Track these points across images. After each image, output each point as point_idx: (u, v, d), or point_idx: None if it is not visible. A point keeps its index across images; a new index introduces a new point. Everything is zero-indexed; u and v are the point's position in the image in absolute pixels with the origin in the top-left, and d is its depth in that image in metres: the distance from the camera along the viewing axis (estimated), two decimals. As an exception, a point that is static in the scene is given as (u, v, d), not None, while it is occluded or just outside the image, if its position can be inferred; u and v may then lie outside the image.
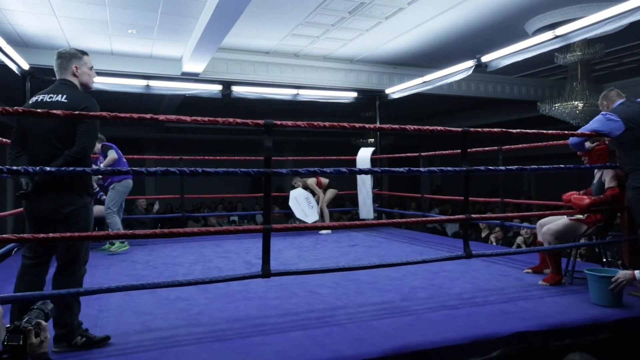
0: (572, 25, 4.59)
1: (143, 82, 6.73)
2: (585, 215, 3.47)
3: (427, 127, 3.25)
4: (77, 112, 2.37)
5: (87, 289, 2.39)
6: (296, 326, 2.67)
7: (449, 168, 3.10)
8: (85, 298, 2.58)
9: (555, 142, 4.59)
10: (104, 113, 2.40)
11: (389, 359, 2.26)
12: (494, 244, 6.61)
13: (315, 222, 6.56)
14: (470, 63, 5.90)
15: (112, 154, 5.24)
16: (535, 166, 3.40)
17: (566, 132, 3.61)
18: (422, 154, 6.67)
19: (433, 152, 6.32)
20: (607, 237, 3.71)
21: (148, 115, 2.56)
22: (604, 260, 3.64)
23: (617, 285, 2.88)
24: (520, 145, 5.19)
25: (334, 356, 2.23)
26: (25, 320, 1.70)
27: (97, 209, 5.49)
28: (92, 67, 2.63)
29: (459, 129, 3.15)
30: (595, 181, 3.66)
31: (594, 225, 3.48)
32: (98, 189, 5.64)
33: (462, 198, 3.25)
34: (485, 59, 5.72)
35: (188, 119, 2.63)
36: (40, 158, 2.36)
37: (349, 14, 6.22)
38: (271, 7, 5.94)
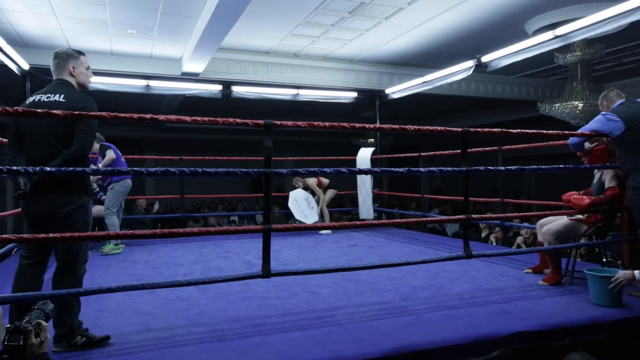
0: (572, 25, 4.59)
1: (143, 82, 6.72)
2: (585, 215, 3.47)
3: (427, 127, 3.25)
4: (77, 113, 2.37)
5: (87, 289, 2.39)
6: (296, 326, 2.67)
7: (448, 168, 3.10)
8: (85, 298, 2.58)
9: (555, 142, 4.59)
10: (103, 113, 2.40)
11: (389, 359, 2.26)
12: (494, 244, 6.61)
13: (315, 222, 6.56)
14: (470, 63, 5.90)
15: (110, 154, 5.22)
16: (535, 166, 3.40)
17: (566, 132, 3.61)
18: (422, 154, 6.67)
19: (433, 152, 6.32)
20: (607, 237, 3.71)
21: (148, 115, 2.56)
22: (604, 260, 3.64)
23: (616, 285, 2.88)
24: (520, 145, 5.19)
25: (334, 356, 2.23)
26: (25, 320, 1.70)
27: (98, 209, 5.49)
28: (88, 67, 2.63)
29: (459, 129, 3.15)
30: (595, 181, 3.66)
31: (594, 225, 3.48)
32: (98, 189, 5.63)
33: (462, 198, 3.25)
34: (485, 59, 5.72)
35: (188, 119, 2.63)
36: (38, 158, 2.36)
37: (349, 14, 6.22)
38: (271, 7, 5.94)
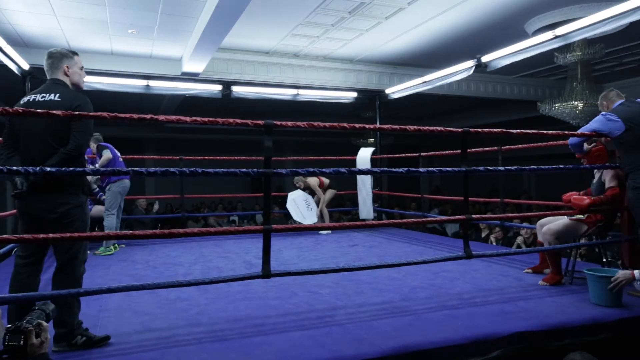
0: (572, 25, 4.59)
1: (143, 82, 6.72)
2: (586, 215, 3.47)
3: (427, 127, 3.25)
4: (76, 113, 2.38)
5: (87, 289, 2.39)
6: (296, 326, 2.67)
7: (448, 168, 3.10)
8: (85, 298, 2.58)
9: (555, 142, 4.59)
10: (103, 113, 2.40)
11: (389, 359, 2.26)
12: (494, 244, 6.62)
13: (314, 223, 6.56)
14: (470, 63, 5.90)
15: (107, 154, 5.19)
16: (535, 166, 3.40)
17: (566, 132, 3.61)
18: (422, 154, 6.67)
19: (433, 152, 6.32)
20: (607, 237, 3.71)
21: (148, 116, 2.56)
22: (604, 260, 3.64)
23: (616, 285, 2.88)
24: (520, 146, 5.19)
25: (334, 356, 2.23)
26: (26, 320, 1.70)
27: (98, 210, 5.50)
28: (82, 67, 2.64)
29: (459, 129, 3.15)
30: (595, 181, 3.66)
31: (594, 225, 3.48)
32: (98, 189, 5.63)
33: (462, 198, 3.25)
34: (485, 59, 5.72)
35: (188, 119, 2.63)
36: (34, 158, 2.36)
37: (349, 14, 6.22)
38: (271, 7, 5.94)
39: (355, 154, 7.29)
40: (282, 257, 4.82)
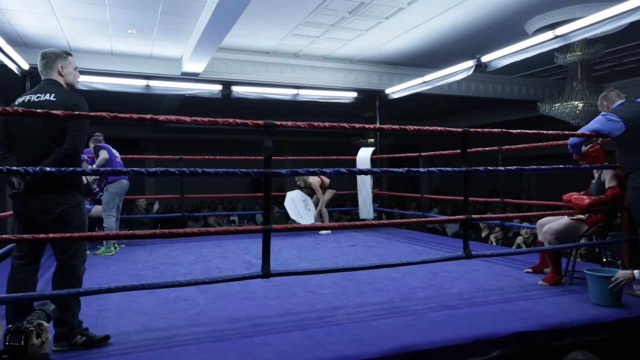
0: (572, 25, 4.59)
1: (143, 82, 6.72)
2: (586, 215, 3.47)
3: (427, 127, 3.25)
4: (76, 113, 2.38)
5: (87, 289, 2.39)
6: (296, 326, 2.67)
7: (448, 168, 3.10)
8: (85, 298, 2.58)
9: (555, 142, 4.59)
10: (103, 113, 2.40)
11: (389, 359, 2.26)
12: (494, 244, 6.61)
13: (314, 222, 6.56)
14: (470, 63, 5.90)
15: (104, 154, 5.17)
16: (535, 166, 3.40)
17: (566, 132, 3.61)
18: (422, 154, 6.67)
19: (433, 152, 6.33)
20: (607, 237, 3.71)
21: (148, 116, 2.56)
22: (604, 260, 3.64)
23: (616, 284, 2.88)
24: (520, 146, 5.19)
25: (334, 356, 2.23)
26: (26, 321, 1.70)
27: (98, 210, 5.49)
28: (76, 67, 2.65)
29: (459, 129, 3.15)
30: (594, 181, 3.66)
31: (595, 225, 3.49)
32: (98, 189, 5.63)
33: (462, 198, 3.25)
34: (485, 59, 5.72)
35: (188, 119, 2.63)
36: (30, 158, 2.36)
37: (349, 14, 6.22)
38: (271, 7, 5.94)
39: (355, 154, 7.29)
40: (282, 257, 4.82)
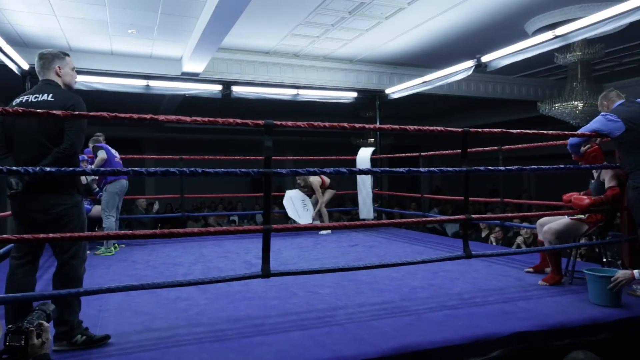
0: (572, 25, 4.59)
1: (143, 82, 6.72)
2: (586, 215, 3.47)
3: (427, 127, 3.25)
4: (76, 113, 2.39)
5: (87, 289, 2.39)
6: (296, 326, 2.67)
7: (448, 168, 3.10)
8: (85, 298, 2.58)
9: (555, 142, 4.59)
10: (103, 113, 2.40)
11: (389, 359, 2.26)
12: (494, 244, 6.61)
13: (314, 222, 6.57)
14: (470, 63, 5.90)
15: (102, 154, 5.17)
16: (535, 166, 3.40)
17: (566, 132, 3.61)
18: (422, 154, 6.67)
19: (433, 152, 6.33)
20: (607, 237, 3.71)
21: (148, 116, 2.56)
22: (604, 260, 3.64)
23: (616, 284, 2.88)
24: (520, 145, 5.19)
25: (334, 356, 2.23)
26: (26, 321, 1.70)
27: (98, 210, 5.49)
28: (74, 67, 2.65)
29: (459, 129, 3.15)
30: (593, 181, 3.67)
31: (595, 225, 3.49)
32: (98, 189, 5.63)
33: (462, 198, 3.25)
34: (485, 59, 5.72)
35: (188, 119, 2.63)
36: (28, 158, 2.36)
37: (349, 14, 6.22)
38: (271, 7, 5.94)
39: (355, 154, 7.29)
40: (282, 257, 4.82)
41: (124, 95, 7.46)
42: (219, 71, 7.66)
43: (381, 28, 6.76)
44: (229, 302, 3.16)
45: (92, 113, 2.43)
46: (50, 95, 2.44)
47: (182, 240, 6.00)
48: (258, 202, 12.27)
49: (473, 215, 3.29)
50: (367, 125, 3.13)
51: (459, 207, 10.32)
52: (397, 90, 7.69)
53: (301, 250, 5.29)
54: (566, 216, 3.55)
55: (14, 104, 2.47)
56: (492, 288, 3.45)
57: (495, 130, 3.40)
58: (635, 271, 2.89)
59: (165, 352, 2.33)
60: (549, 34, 4.86)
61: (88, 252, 5.10)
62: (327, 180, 6.82)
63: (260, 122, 2.63)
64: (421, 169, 3.18)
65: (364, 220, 6.96)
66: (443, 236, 7.90)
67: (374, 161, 7.33)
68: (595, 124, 3.40)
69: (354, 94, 8.10)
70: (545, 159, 12.21)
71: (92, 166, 5.40)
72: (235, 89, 7.12)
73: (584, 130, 3.46)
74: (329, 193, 6.85)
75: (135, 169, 2.45)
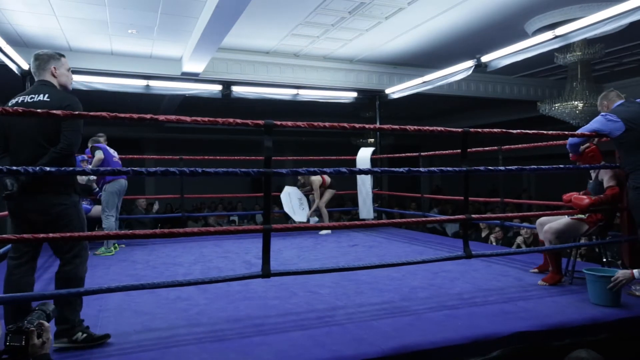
0: (572, 25, 4.59)
1: (143, 82, 6.72)
2: (587, 214, 3.47)
3: (427, 127, 3.25)
4: (77, 113, 2.39)
5: (87, 289, 2.39)
6: (296, 326, 2.67)
7: (448, 168, 3.10)
8: (85, 298, 2.58)
9: (555, 142, 4.59)
10: (103, 113, 2.40)
11: (388, 359, 2.26)
12: (494, 244, 6.61)
13: (314, 222, 6.57)
14: (470, 63, 5.90)
15: (99, 154, 5.17)
16: (535, 166, 3.40)
17: (566, 132, 3.61)
18: (422, 154, 6.67)
19: (433, 152, 6.33)
20: (607, 237, 3.71)
21: (148, 116, 2.56)
22: (604, 260, 3.64)
23: (616, 284, 2.88)
24: (520, 145, 5.19)
25: (334, 356, 2.24)
26: (27, 321, 1.70)
27: (98, 210, 5.50)
28: (69, 68, 2.66)
29: (459, 129, 3.15)
30: (591, 180, 3.67)
31: (595, 224, 3.49)
32: (98, 189, 5.63)
33: (462, 198, 3.25)
34: (485, 59, 5.72)
35: (188, 119, 2.63)
36: (25, 158, 2.36)
37: (349, 14, 6.22)
38: (271, 7, 5.94)
39: (355, 154, 7.29)
40: (282, 257, 4.82)
41: (124, 95, 7.46)
42: (219, 71, 7.66)
43: (381, 28, 6.76)
44: (229, 302, 3.16)
45: (92, 113, 2.43)
46: (46, 95, 2.45)
47: (182, 240, 6.00)
48: (258, 202, 12.26)
49: (473, 215, 3.29)
50: (367, 125, 3.13)
51: (459, 207, 10.32)
52: (397, 90, 7.69)
53: (301, 250, 5.29)
54: (566, 216, 3.55)
55: (9, 104, 2.47)
56: (492, 288, 3.45)
57: (495, 130, 3.40)
58: (635, 271, 2.89)
59: (165, 352, 2.33)
60: (549, 34, 4.86)
61: (88, 252, 5.11)
62: (327, 179, 6.81)
63: (260, 122, 2.63)
64: (421, 169, 3.18)
65: (364, 220, 6.96)
66: (443, 236, 7.90)
67: (374, 161, 7.33)
68: (595, 124, 3.41)
69: (354, 94, 8.10)
70: (545, 159, 12.20)
71: (91, 166, 5.39)
72: (235, 89, 7.12)
73: (583, 130, 3.46)
74: (329, 193, 6.85)
75: (135, 168, 2.45)
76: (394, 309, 2.95)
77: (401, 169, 2.97)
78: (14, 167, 2.20)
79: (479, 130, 3.41)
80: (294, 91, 7.55)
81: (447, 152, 5.58)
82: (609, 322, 2.73)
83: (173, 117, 2.62)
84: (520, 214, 7.73)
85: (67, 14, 5.67)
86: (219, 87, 7.10)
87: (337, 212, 10.19)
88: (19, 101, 2.46)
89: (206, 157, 6.81)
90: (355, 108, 10.21)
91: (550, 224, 3.53)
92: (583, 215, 3.48)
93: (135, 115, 2.48)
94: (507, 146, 5.17)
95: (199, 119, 2.62)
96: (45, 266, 4.31)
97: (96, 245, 5.41)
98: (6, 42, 4.79)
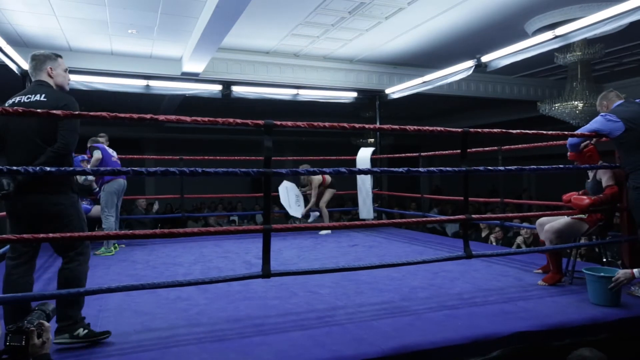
0: (572, 25, 4.59)
1: (143, 82, 6.72)
2: (587, 214, 3.47)
3: (427, 127, 3.25)
4: (76, 113, 2.39)
5: (87, 289, 2.39)
6: (296, 326, 2.67)
7: (448, 168, 3.10)
8: (86, 298, 2.58)
9: (555, 142, 4.59)
10: (103, 113, 2.40)
11: (388, 359, 2.26)
12: (494, 244, 6.62)
13: (314, 222, 6.58)
14: (470, 63, 5.90)
15: (97, 154, 5.17)
16: (535, 166, 3.40)
17: (566, 132, 3.61)
18: (422, 154, 6.67)
19: (433, 152, 6.33)
20: (607, 237, 3.71)
21: (148, 116, 2.56)
22: (604, 260, 3.64)
23: (617, 284, 2.88)
24: (520, 146, 5.19)
25: (334, 356, 2.24)
26: (27, 320, 1.70)
27: (98, 210, 5.49)
28: (66, 69, 2.66)
29: (459, 130, 3.15)
30: (589, 180, 3.67)
31: (595, 224, 3.49)
32: (97, 189, 5.63)
33: (462, 198, 3.25)
34: (485, 59, 5.72)
35: (188, 119, 2.63)
36: (22, 158, 2.36)
37: (348, 14, 6.22)
38: (271, 7, 5.94)
39: (355, 154, 7.29)
40: (282, 257, 4.82)
41: (124, 95, 7.46)
42: (219, 71, 7.66)
43: (381, 28, 6.76)
44: (229, 302, 3.16)
45: (92, 113, 2.43)
46: (43, 95, 2.45)
47: (182, 240, 6.00)
48: (258, 202, 12.26)
49: (473, 215, 3.29)
50: (367, 125, 3.13)
51: (458, 207, 10.32)
52: (397, 90, 7.69)
53: (301, 250, 5.29)
54: (566, 215, 3.56)
55: (6, 104, 2.47)
56: (492, 288, 3.45)
57: (495, 130, 3.40)
58: (636, 270, 2.89)
59: (165, 352, 2.33)
60: (549, 34, 4.86)
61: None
62: (327, 178, 6.82)
63: (260, 122, 2.63)
64: (421, 169, 3.18)
65: (364, 220, 6.96)
66: (443, 236, 7.90)
67: (374, 161, 7.33)
68: (594, 124, 3.41)
69: (354, 94, 8.10)
70: (545, 159, 12.21)
71: (90, 166, 5.40)
72: (235, 89, 7.12)
73: (583, 130, 3.46)
74: (329, 192, 6.85)
75: (135, 168, 2.45)
76: (394, 309, 2.96)
77: (401, 169, 2.97)
78: (14, 167, 2.20)
79: (479, 130, 3.41)
80: (294, 91, 7.55)
81: (447, 152, 5.58)
82: (609, 322, 2.73)
83: (173, 117, 2.62)
84: (520, 214, 7.74)
85: (67, 14, 5.67)
86: (219, 87, 7.10)
87: (337, 212, 10.19)
88: (16, 101, 2.47)
89: (206, 157, 6.81)
90: (355, 108, 10.21)
91: (551, 223, 3.53)
92: (583, 215, 3.48)
93: (135, 115, 2.48)
94: (507, 146, 5.17)
95: (199, 119, 2.62)
96: (45, 266, 4.31)
97: (96, 245, 5.40)
98: (6, 42, 4.80)
